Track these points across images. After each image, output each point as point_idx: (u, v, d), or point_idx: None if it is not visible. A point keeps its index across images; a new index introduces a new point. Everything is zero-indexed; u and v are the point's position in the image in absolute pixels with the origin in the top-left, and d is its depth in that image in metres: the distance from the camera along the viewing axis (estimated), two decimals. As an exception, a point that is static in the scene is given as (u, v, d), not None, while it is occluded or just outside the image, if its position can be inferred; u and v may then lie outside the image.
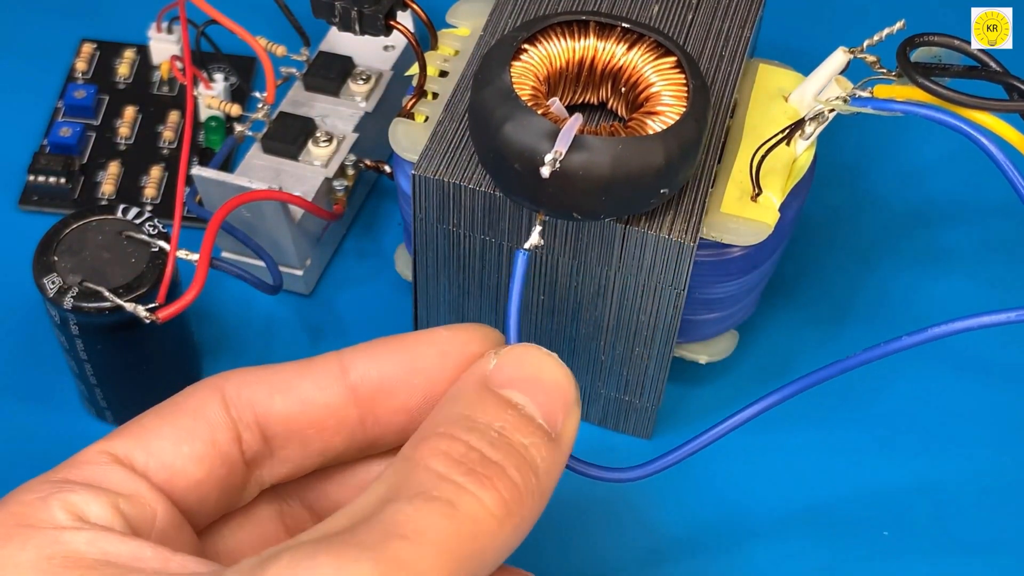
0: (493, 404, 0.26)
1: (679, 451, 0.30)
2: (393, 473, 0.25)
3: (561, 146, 0.29)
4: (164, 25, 0.45)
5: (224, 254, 0.41)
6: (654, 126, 0.31)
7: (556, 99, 0.31)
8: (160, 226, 0.35)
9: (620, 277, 0.33)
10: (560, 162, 0.29)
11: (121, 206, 0.35)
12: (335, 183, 0.40)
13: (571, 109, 0.33)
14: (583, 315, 0.35)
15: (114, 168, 0.43)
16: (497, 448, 0.25)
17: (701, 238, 0.32)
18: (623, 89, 0.33)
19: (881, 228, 0.44)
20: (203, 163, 0.41)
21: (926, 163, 0.46)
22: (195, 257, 0.34)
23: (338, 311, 0.42)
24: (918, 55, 0.32)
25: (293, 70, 0.42)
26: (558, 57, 0.32)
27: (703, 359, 0.38)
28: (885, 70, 0.33)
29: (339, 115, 0.41)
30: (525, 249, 0.30)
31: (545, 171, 0.28)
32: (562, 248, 0.33)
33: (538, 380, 0.26)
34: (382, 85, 0.42)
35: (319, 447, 0.28)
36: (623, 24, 0.32)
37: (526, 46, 0.32)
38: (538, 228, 0.30)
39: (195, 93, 0.43)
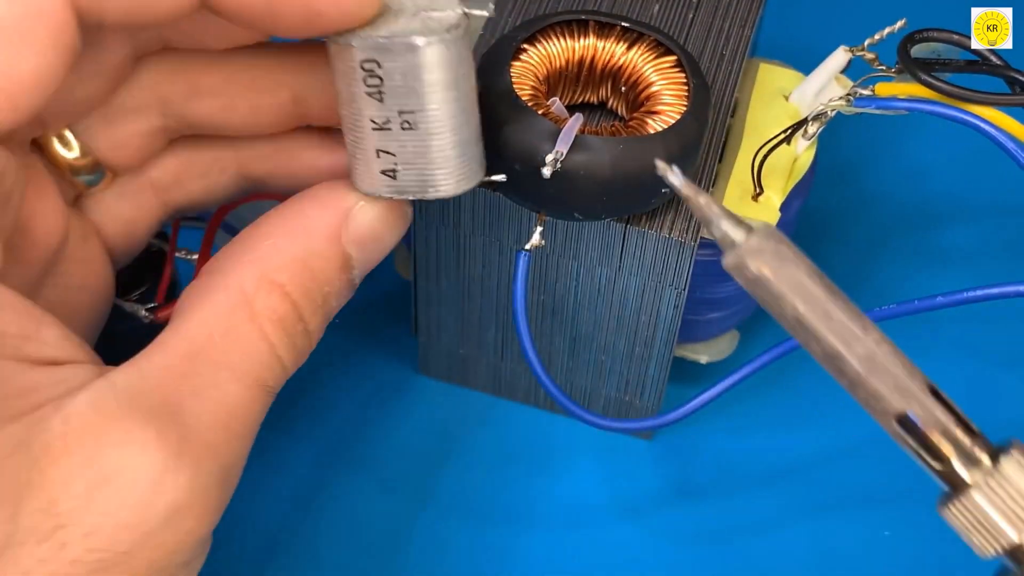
0: (336, 264, 0.26)
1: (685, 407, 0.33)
2: (213, 313, 0.25)
3: (562, 146, 0.28)
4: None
5: (223, 254, 0.41)
6: (655, 126, 0.30)
7: (556, 99, 0.31)
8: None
9: (621, 277, 0.33)
10: (561, 162, 0.28)
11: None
12: (334, 183, 0.39)
13: (571, 109, 0.33)
14: (584, 315, 0.35)
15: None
16: (315, 314, 0.26)
17: (702, 237, 0.32)
18: (623, 88, 0.33)
19: (882, 227, 0.44)
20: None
21: (926, 161, 0.46)
22: (195, 257, 0.34)
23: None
24: (918, 51, 0.32)
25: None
26: (558, 57, 0.32)
27: (704, 359, 0.38)
28: (884, 67, 0.33)
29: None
30: (526, 250, 0.30)
31: (546, 172, 0.28)
32: (563, 248, 0.33)
33: (381, 241, 0.27)
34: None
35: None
36: (623, 23, 0.32)
37: (525, 46, 0.32)
38: (539, 229, 0.30)
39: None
